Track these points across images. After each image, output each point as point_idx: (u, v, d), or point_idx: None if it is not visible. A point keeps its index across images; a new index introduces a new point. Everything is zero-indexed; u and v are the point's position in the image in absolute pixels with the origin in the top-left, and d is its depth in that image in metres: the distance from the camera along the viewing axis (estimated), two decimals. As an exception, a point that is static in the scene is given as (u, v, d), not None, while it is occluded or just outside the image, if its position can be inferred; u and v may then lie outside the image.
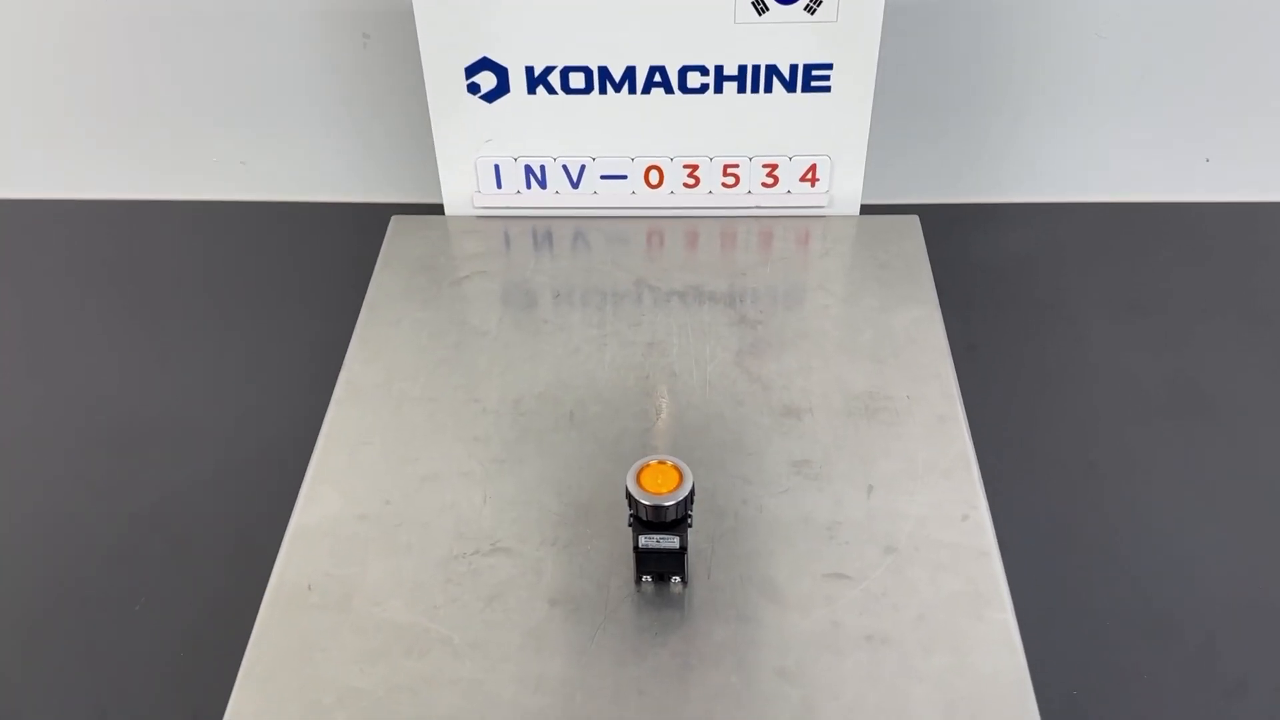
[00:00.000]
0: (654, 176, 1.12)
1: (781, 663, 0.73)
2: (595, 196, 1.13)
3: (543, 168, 1.12)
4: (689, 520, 0.75)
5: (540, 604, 0.77)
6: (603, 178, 1.12)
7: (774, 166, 1.11)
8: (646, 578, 0.79)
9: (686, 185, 1.12)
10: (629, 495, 0.74)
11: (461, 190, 1.14)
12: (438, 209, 1.16)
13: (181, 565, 0.98)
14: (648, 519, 0.74)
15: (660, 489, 0.73)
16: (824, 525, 0.82)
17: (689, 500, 0.74)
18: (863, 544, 0.81)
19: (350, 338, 1.00)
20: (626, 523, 0.75)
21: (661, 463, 0.75)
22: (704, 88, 1.06)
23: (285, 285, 1.29)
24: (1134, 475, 1.04)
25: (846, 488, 0.85)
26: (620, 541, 0.81)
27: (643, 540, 0.76)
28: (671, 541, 0.75)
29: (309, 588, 0.79)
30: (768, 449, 0.88)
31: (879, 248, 1.08)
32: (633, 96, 1.07)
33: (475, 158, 1.11)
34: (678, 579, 0.78)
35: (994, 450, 0.95)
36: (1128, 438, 1.08)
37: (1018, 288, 1.26)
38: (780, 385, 0.93)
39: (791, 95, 1.07)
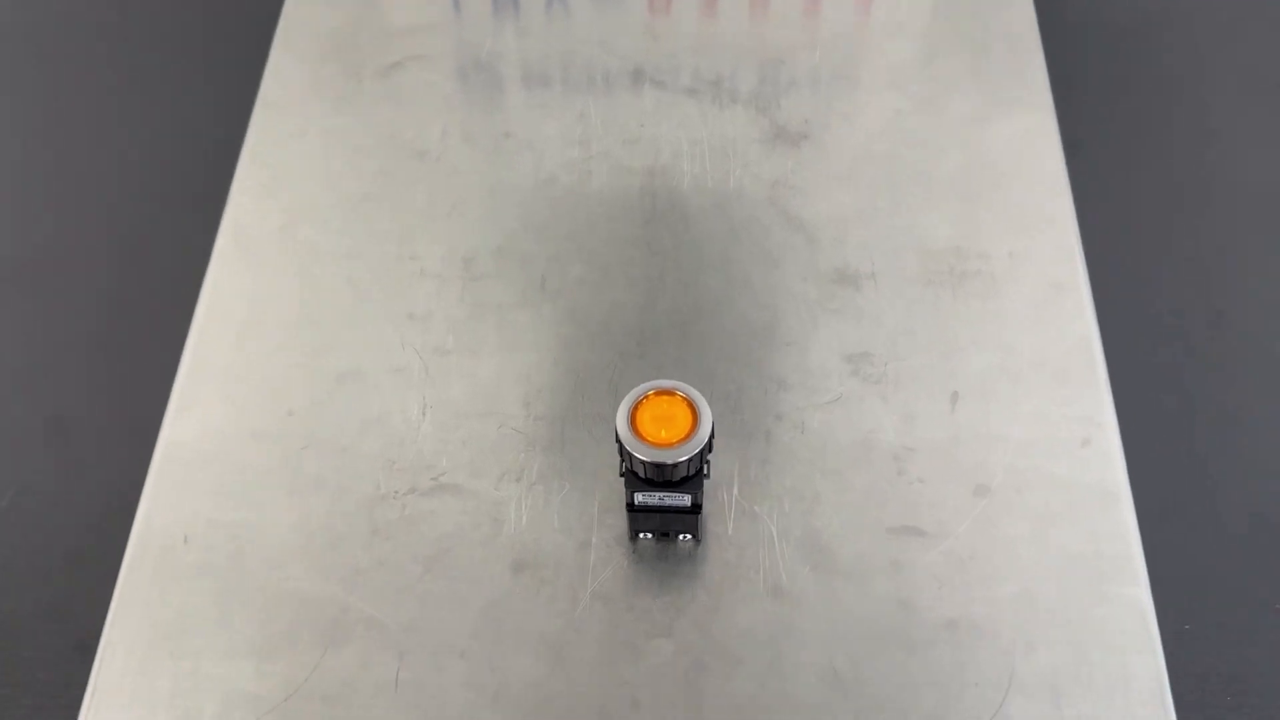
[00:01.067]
0: (658, -89, 0.82)
1: (829, 660, 0.56)
2: (576, -59, 0.84)
3: (501, -102, 0.82)
4: (705, 471, 0.55)
5: (500, 569, 0.59)
6: (586, -87, 0.83)
7: (829, -103, 0.81)
8: (645, 533, 0.60)
9: (704, -75, 0.83)
10: (621, 445, 0.53)
11: (388, -69, 0.85)
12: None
13: (56, 451, 0.79)
14: (647, 476, 0.54)
15: (666, 437, 0.52)
16: (890, 453, 0.62)
17: (707, 448, 0.53)
18: (943, 481, 0.61)
19: (239, 151, 0.76)
20: (618, 471, 0.55)
21: (668, 394, 0.53)
22: None
23: (164, 46, 1.02)
24: (1273, 327, 0.83)
25: (922, 395, 0.64)
26: (610, 476, 0.61)
27: (640, 497, 0.56)
28: (680, 499, 0.56)
29: (185, 540, 0.60)
30: (813, 336, 0.66)
31: (973, 20, 0.81)
32: None
33: (404, -117, 0.81)
34: (687, 536, 0.59)
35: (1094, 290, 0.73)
36: (1268, 273, 0.85)
37: (1136, 59, 0.99)
38: (831, 237, 0.70)
39: None
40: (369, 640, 0.57)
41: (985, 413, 0.63)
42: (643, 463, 0.52)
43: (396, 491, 0.61)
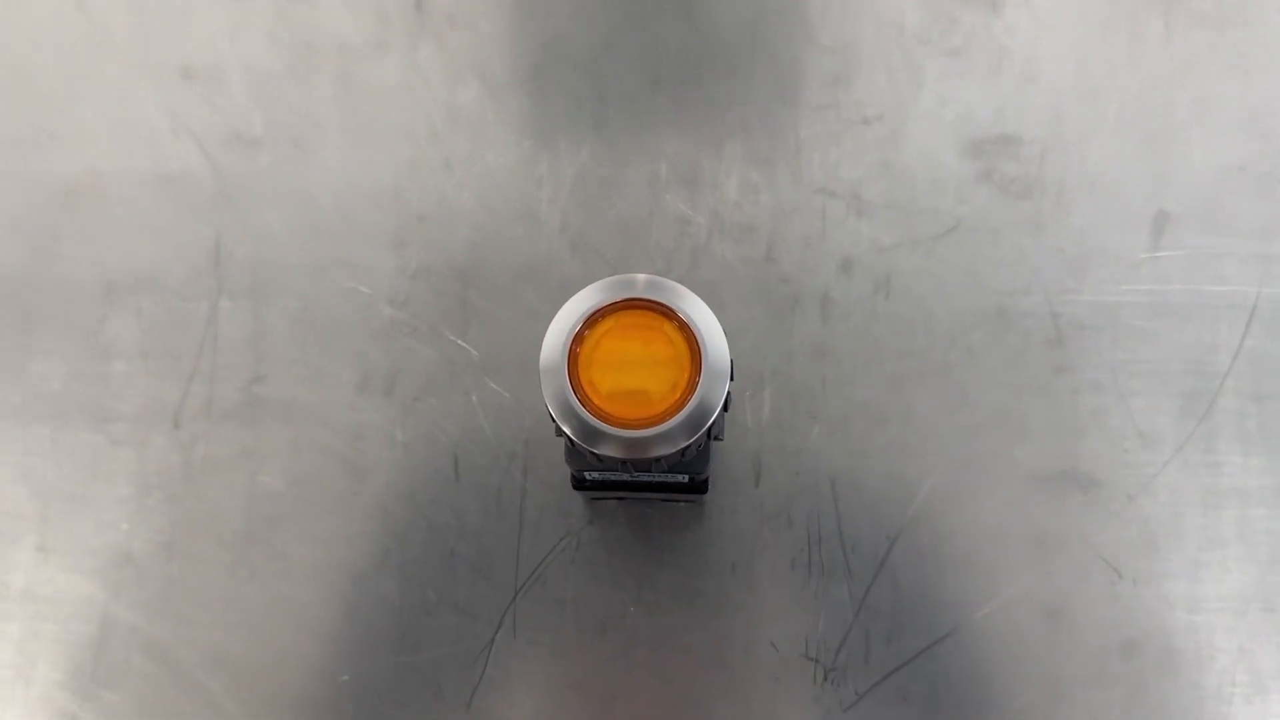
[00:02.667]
0: None
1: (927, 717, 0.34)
2: None
3: None
4: (718, 433, 0.30)
5: (361, 554, 0.35)
6: None
7: None
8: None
9: None
10: (552, 415, 0.28)
11: None
12: None
13: None
14: (608, 467, 0.29)
15: (639, 408, 0.27)
16: (1041, 333, 0.36)
17: (723, 408, 0.28)
18: (1131, 386, 0.36)
19: None
20: (554, 431, 0.31)
21: (643, 310, 0.28)
22: None
23: None
24: None
25: (1104, 218, 0.37)
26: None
27: (594, 473, 0.32)
28: (670, 476, 0.31)
29: None
30: (912, 103, 0.38)
31: None
32: None
33: None
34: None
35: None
36: None
37: None
38: (951, -102, 0.40)
39: None
40: (152, 680, 0.35)
41: (1209, 254, 0.37)
42: (602, 456, 0.28)
43: (182, 413, 0.37)
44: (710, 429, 0.28)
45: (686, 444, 0.27)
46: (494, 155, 0.38)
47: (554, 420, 0.28)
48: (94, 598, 0.36)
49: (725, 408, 0.28)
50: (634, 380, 0.27)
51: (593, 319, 0.27)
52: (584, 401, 0.27)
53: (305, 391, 0.36)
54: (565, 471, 0.35)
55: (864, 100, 0.38)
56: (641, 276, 0.28)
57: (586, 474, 0.31)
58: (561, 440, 0.30)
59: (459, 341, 0.37)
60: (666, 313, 0.27)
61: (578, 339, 0.27)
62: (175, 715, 0.35)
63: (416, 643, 0.35)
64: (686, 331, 0.27)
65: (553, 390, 0.27)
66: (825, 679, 0.34)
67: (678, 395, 0.27)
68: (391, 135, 0.38)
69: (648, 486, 0.32)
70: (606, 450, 0.27)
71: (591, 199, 0.37)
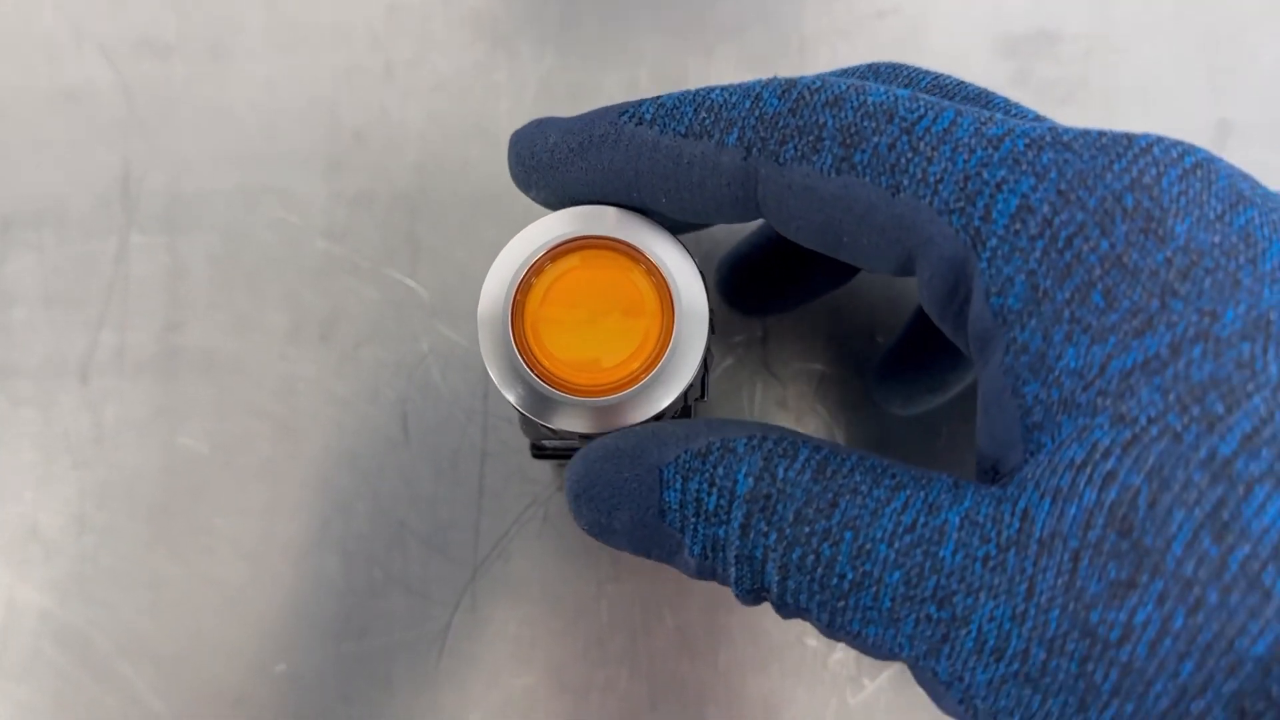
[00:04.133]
0: None
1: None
2: None
3: None
4: (703, 392, 0.26)
5: (290, 518, 0.31)
6: None
7: None
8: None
9: None
10: (493, 379, 0.23)
11: None
12: None
13: None
14: (567, 438, 0.25)
15: (599, 371, 0.22)
16: (1083, 262, 0.31)
17: (703, 367, 0.23)
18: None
19: None
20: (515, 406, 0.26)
21: (608, 250, 0.23)
22: None
23: None
24: None
25: (1162, 124, 0.31)
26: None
27: (555, 442, 0.27)
28: (646, 442, 0.27)
29: None
30: (935, -7, 0.33)
31: None
32: None
33: None
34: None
35: None
36: None
37: None
38: None
39: None
40: (65, 672, 0.31)
41: (1285, 167, 0.32)
42: (558, 431, 0.23)
43: (90, 366, 0.32)
44: (687, 392, 0.23)
45: (658, 413, 0.22)
46: (443, 60, 0.32)
47: (496, 385, 0.23)
48: (-3, 578, 0.32)
49: (706, 366, 0.23)
50: (593, 337, 0.22)
51: (541, 262, 0.22)
52: (531, 364, 0.22)
53: (229, 340, 0.32)
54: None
55: (877, -9, 0.33)
56: (611, 209, 0.23)
57: (548, 442, 0.26)
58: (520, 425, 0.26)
59: (406, 280, 0.32)
60: (633, 254, 0.22)
61: (524, 285, 0.22)
62: (93, 711, 0.31)
63: (362, 628, 0.30)
64: (656, 277, 0.22)
65: (493, 348, 0.22)
66: (831, 666, 0.30)
67: (646, 355, 0.22)
68: (324, 38, 0.33)
69: (618, 451, 0.27)
70: (561, 423, 0.22)
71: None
